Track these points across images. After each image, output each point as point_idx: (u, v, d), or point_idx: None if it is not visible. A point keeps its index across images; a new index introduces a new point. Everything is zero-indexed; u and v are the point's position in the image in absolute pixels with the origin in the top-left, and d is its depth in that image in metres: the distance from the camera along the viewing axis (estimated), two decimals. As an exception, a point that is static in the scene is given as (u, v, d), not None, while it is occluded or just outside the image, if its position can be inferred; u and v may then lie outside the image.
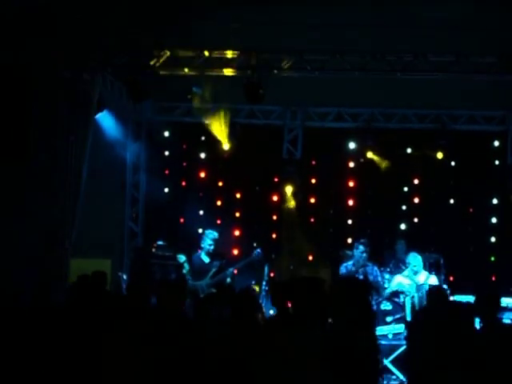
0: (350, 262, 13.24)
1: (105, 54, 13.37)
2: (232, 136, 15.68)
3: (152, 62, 13.36)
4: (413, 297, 12.46)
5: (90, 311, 6.84)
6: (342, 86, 14.28)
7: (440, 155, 15.61)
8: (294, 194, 15.94)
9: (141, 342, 6.02)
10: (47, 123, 12.70)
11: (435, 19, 12.87)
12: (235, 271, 13.62)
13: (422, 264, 13.13)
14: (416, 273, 13.01)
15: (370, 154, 15.91)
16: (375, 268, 13.22)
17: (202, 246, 13.47)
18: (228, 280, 13.10)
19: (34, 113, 12.17)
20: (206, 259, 13.31)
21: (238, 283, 13.79)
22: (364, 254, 13.15)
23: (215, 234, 13.50)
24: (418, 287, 12.56)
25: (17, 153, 11.97)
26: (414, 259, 13.07)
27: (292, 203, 15.84)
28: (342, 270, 13.20)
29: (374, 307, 12.24)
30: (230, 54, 13.37)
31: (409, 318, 12.16)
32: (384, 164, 15.90)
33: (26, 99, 12.00)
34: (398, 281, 13.02)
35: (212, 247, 13.34)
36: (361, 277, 12.62)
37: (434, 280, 12.87)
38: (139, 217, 16.57)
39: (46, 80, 12.32)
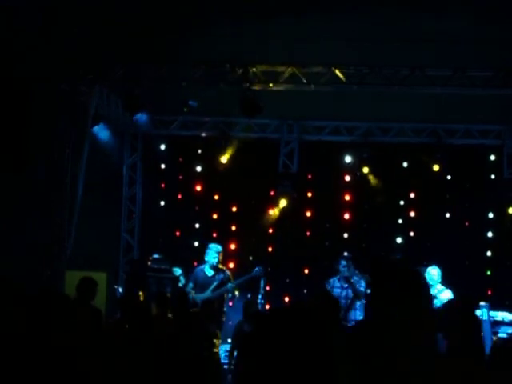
0: (336, 278, 13.28)
1: (102, 67, 13.37)
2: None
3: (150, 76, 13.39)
4: None
5: None
6: (338, 100, 14.30)
7: (436, 168, 15.61)
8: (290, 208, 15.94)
9: None
10: (45, 135, 12.70)
11: (433, 33, 12.91)
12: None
13: (438, 278, 12.92)
14: (431, 286, 12.85)
15: (366, 168, 15.92)
16: (362, 281, 13.21)
17: (207, 259, 13.33)
18: (229, 295, 13.08)
19: (33, 125, 12.16)
20: (210, 272, 13.23)
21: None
22: (346, 268, 13.19)
23: (219, 248, 13.41)
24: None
25: (15, 165, 11.95)
26: (428, 273, 12.92)
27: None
28: (326, 286, 13.27)
29: None
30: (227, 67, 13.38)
31: None
32: (380, 178, 15.90)
33: (24, 111, 12.00)
34: None
35: (216, 260, 13.25)
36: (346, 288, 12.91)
37: (447, 294, 12.71)
38: (135, 230, 16.57)
39: (45, 92, 12.33)
